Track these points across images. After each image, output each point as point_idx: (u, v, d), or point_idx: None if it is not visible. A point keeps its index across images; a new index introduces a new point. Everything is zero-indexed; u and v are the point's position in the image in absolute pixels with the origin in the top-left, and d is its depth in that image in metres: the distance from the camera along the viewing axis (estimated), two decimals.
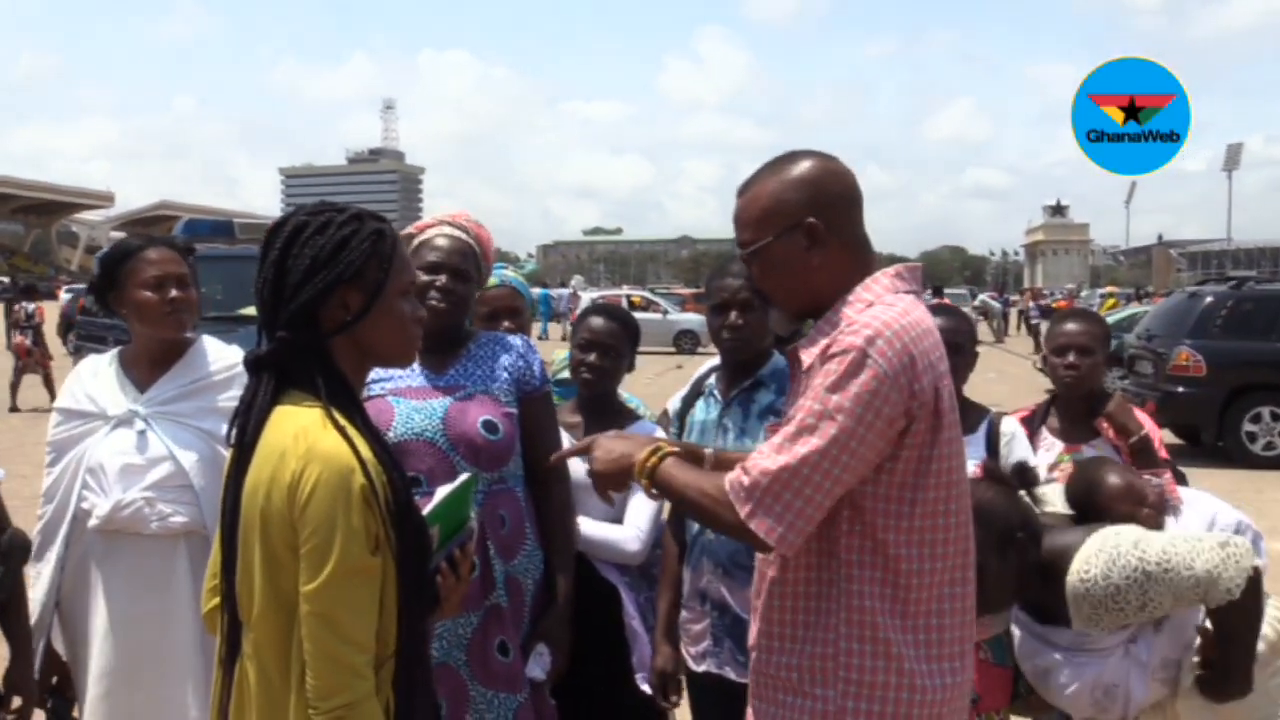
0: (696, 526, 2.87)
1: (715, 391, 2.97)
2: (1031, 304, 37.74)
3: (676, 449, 2.05)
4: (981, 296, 41.11)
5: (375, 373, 2.55)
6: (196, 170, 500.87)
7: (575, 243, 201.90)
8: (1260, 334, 11.83)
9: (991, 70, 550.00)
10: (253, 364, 1.79)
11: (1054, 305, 42.85)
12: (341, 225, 1.78)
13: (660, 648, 2.94)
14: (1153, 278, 68.21)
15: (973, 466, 3.01)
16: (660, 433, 3.13)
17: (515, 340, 2.89)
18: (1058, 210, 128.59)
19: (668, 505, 2.92)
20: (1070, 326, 3.39)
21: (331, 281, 1.75)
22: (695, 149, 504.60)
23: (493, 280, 3.42)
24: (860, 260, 2.01)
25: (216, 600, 1.91)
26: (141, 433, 2.82)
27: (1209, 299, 12.26)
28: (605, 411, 3.14)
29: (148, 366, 2.93)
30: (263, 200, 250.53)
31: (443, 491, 1.92)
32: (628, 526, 2.99)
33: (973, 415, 3.16)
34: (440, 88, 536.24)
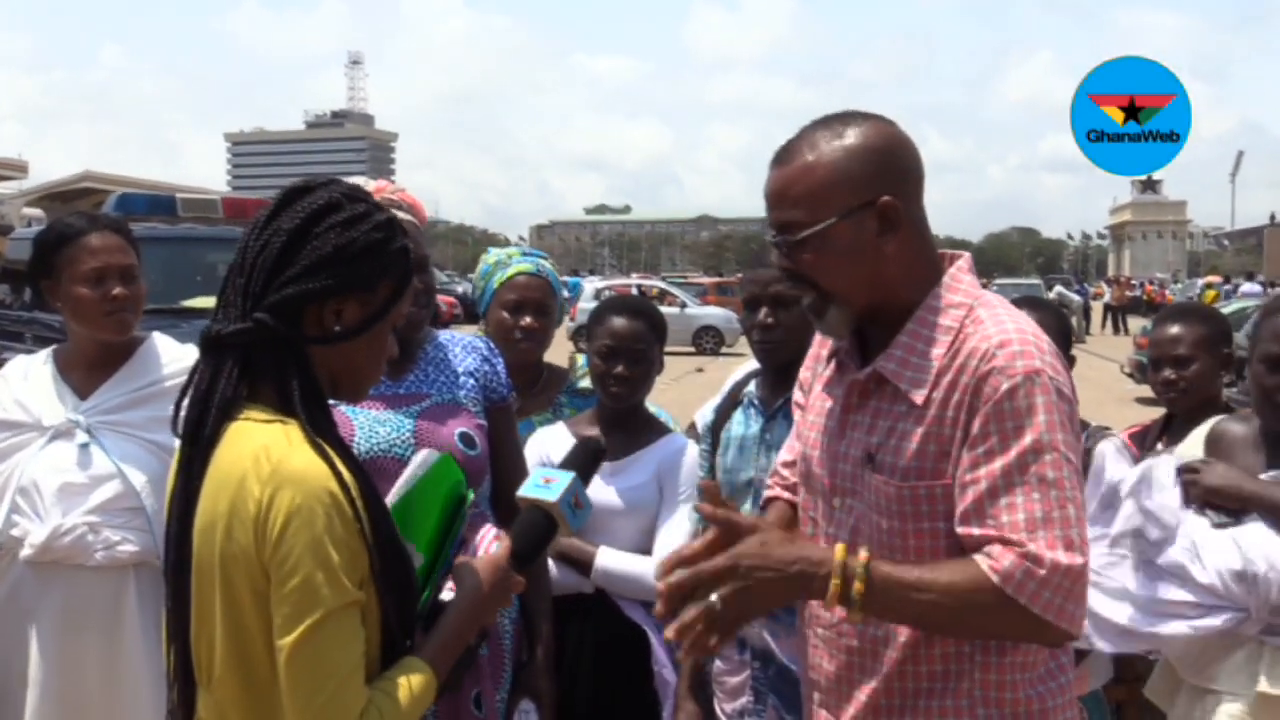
0: None
1: (756, 401, 2.98)
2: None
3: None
4: (1058, 287, 40.95)
5: None
6: (127, 135, 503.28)
7: (575, 223, 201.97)
8: None
9: (1078, 18, 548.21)
10: (212, 343, 1.72)
11: (1143, 297, 42.77)
12: (378, 226, 1.77)
13: (683, 704, 2.95)
14: (1264, 264, 67.94)
15: None
16: (693, 448, 3.15)
17: (477, 341, 2.90)
18: (1149, 186, 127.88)
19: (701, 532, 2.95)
20: (1166, 331, 3.37)
21: (343, 284, 1.73)
22: (722, 113, 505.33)
23: (527, 266, 3.42)
24: (931, 249, 1.99)
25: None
26: (83, 446, 2.85)
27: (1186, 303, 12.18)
28: (629, 425, 3.15)
29: (88, 369, 2.96)
30: (205, 171, 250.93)
31: (405, 478, 1.92)
32: (660, 553, 3.00)
33: None
34: (421, 40, 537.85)
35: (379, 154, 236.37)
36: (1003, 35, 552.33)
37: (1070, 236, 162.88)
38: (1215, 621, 2.62)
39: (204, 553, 1.69)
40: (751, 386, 3.04)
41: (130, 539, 2.83)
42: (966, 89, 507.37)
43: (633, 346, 3.09)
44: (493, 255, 3.52)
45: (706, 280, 43.23)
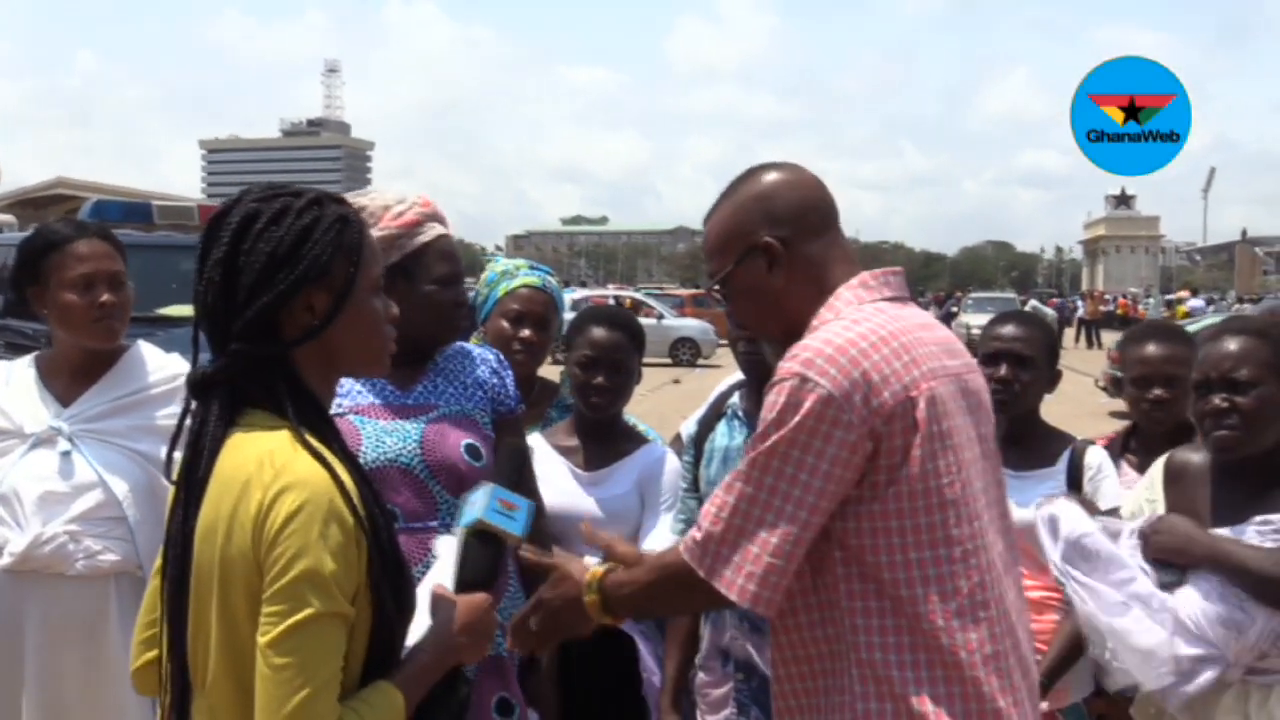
0: None
1: (740, 413, 3.00)
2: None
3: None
4: (1032, 301, 41.19)
5: None
6: (102, 141, 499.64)
7: (552, 233, 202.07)
8: None
9: (1056, 35, 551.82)
10: (200, 384, 1.75)
11: (1116, 311, 43.01)
12: (300, 212, 1.76)
13: (666, 716, 2.96)
14: (1235, 280, 68.51)
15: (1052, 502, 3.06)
16: (673, 457, 3.16)
17: (488, 354, 2.91)
18: (1123, 201, 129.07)
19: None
20: (1152, 350, 3.36)
21: (295, 281, 1.72)
22: (701, 124, 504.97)
23: (533, 279, 3.43)
24: (832, 276, 2.10)
25: (150, 654, 1.91)
26: (65, 454, 2.84)
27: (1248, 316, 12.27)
28: (608, 435, 3.17)
29: (72, 376, 2.95)
30: (181, 178, 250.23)
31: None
32: None
33: (1053, 444, 3.20)
34: (400, 50, 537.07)
35: (355, 162, 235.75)
36: (981, 51, 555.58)
37: (1044, 251, 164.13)
38: (1210, 674, 2.58)
39: (204, 556, 1.69)
40: (735, 398, 3.05)
41: (111, 548, 2.81)
42: (944, 103, 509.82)
43: (613, 357, 3.12)
44: (500, 264, 3.54)
45: (683, 292, 43.29)
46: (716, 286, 2.19)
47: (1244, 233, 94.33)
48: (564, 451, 3.15)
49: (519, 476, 2.21)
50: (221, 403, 1.74)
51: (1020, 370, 3.16)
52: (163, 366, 3.00)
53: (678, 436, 3.79)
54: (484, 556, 2.00)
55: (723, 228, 2.16)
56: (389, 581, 1.71)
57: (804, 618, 2.01)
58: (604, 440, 3.15)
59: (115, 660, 2.83)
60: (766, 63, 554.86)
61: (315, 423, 1.74)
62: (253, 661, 1.63)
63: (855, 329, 1.96)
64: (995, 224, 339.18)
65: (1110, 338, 30.71)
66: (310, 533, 1.61)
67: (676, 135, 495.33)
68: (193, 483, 1.73)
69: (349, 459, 1.75)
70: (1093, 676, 3.15)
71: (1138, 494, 2.90)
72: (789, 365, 1.95)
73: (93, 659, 2.83)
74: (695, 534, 1.98)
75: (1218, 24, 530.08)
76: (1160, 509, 2.78)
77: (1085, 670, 3.10)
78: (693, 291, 41.00)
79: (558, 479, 3.14)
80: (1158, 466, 2.88)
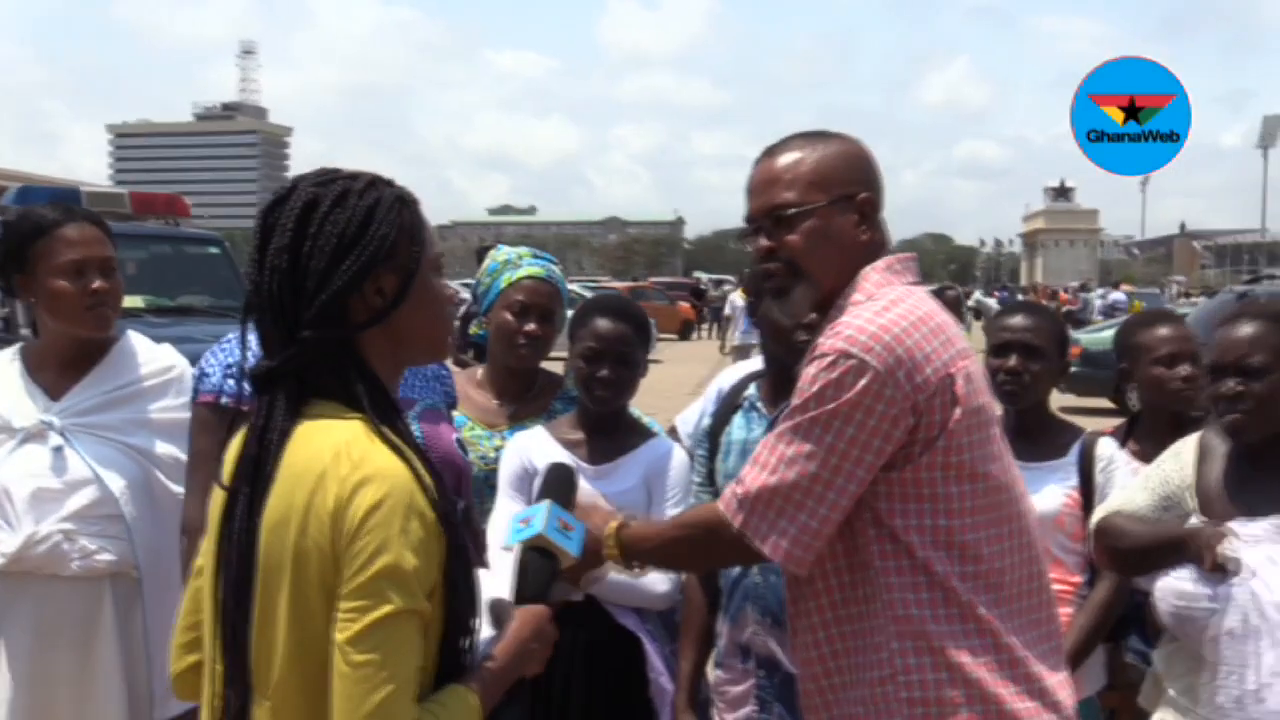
0: (737, 569, 2.93)
1: (759, 405, 3.02)
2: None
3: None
4: (977, 294, 41.71)
5: None
6: (1, 125, 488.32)
7: (479, 224, 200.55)
8: None
9: (997, 24, 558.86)
10: (265, 378, 1.74)
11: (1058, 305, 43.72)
12: (362, 194, 1.77)
13: (682, 717, 2.97)
14: (1173, 273, 69.88)
15: (1062, 495, 3.12)
16: (681, 452, 3.17)
17: None
18: (1062, 193, 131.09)
19: None
20: (1172, 330, 3.47)
21: (366, 263, 1.73)
22: (633, 112, 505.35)
23: (537, 270, 3.42)
24: (887, 252, 2.25)
25: (191, 658, 1.90)
26: (57, 450, 2.80)
27: (1263, 300, 12.54)
28: (614, 428, 3.17)
29: (60, 369, 2.91)
30: (88, 164, 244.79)
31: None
32: None
33: (1062, 435, 3.27)
34: (320, 30, 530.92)
35: (272, 149, 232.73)
36: (921, 39, 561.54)
37: (983, 243, 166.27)
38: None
39: (274, 549, 1.68)
40: (752, 389, 3.08)
41: (108, 548, 2.78)
42: (883, 92, 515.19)
43: (617, 349, 3.10)
44: (502, 254, 3.51)
45: (620, 285, 43.26)
46: (778, 213, 2.19)
47: (1183, 226, 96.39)
48: (568, 445, 3.15)
49: (571, 496, 2.24)
50: (288, 394, 1.73)
51: (1030, 361, 3.21)
52: (155, 358, 2.97)
53: (673, 430, 3.82)
54: (542, 572, 2.05)
55: (824, 164, 2.20)
56: (462, 580, 1.71)
57: (835, 580, 2.15)
58: (609, 434, 3.15)
59: (107, 664, 2.81)
60: (702, 49, 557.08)
61: (388, 413, 1.74)
62: (323, 659, 1.63)
63: (894, 310, 2.10)
64: (933, 216, 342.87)
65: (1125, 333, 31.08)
66: (392, 527, 1.62)
67: (608, 123, 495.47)
68: (258, 477, 1.71)
69: (421, 452, 1.74)
70: (1105, 670, 3.23)
71: (1166, 472, 2.92)
72: (833, 342, 2.06)
73: (84, 663, 2.80)
74: (736, 488, 2.11)
75: (1158, 16, 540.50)
76: (1191, 488, 2.84)
77: (1097, 664, 3.17)
78: (629, 284, 41.02)
79: None
80: (1189, 445, 2.92)
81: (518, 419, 3.35)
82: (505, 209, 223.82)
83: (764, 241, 2.22)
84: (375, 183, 1.81)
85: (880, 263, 2.21)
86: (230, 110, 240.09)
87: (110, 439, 2.84)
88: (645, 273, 74.91)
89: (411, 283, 1.78)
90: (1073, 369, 5.28)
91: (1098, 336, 16.14)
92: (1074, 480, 3.16)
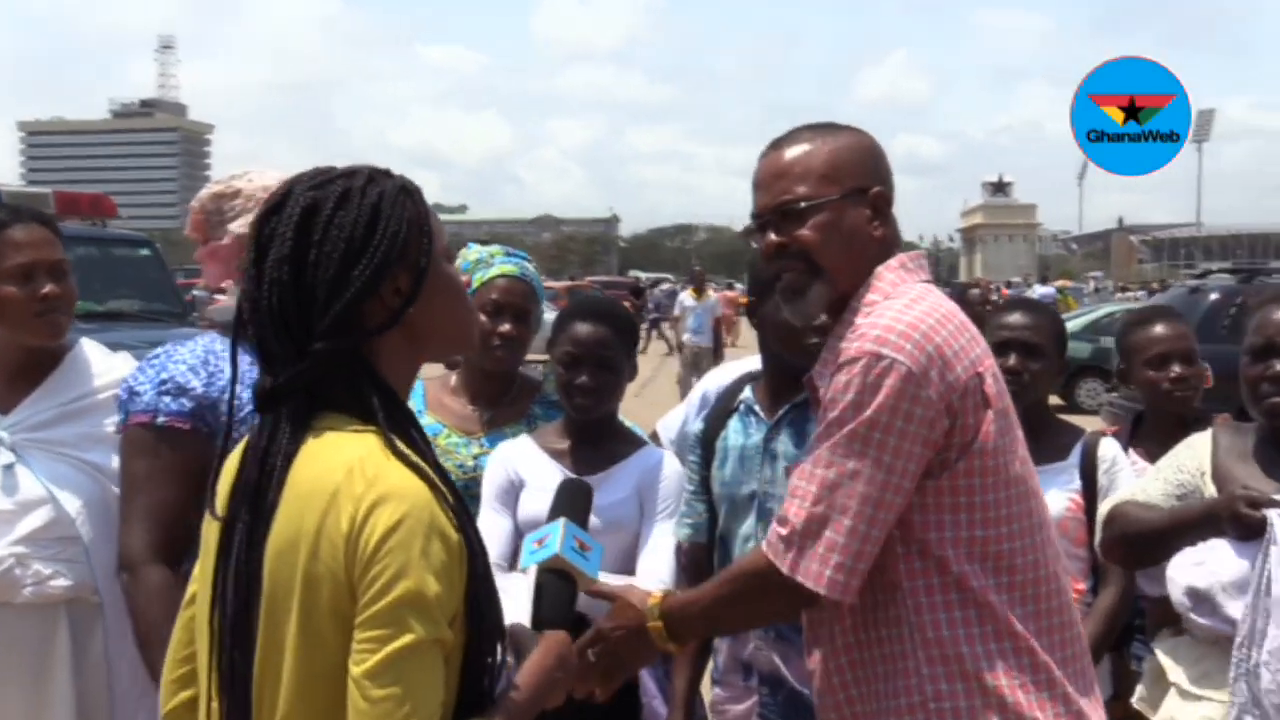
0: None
1: (756, 408, 2.94)
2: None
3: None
4: None
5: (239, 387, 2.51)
6: None
7: None
8: None
9: (935, 18, 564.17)
10: (270, 396, 1.64)
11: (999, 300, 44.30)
12: (363, 192, 1.68)
13: None
14: (1110, 268, 71.00)
15: (1065, 499, 3.08)
16: (673, 460, 3.08)
17: None
18: (999, 188, 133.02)
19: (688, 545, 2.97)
20: (1163, 329, 3.45)
21: (380, 266, 1.64)
22: (568, 107, 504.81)
23: (510, 268, 3.31)
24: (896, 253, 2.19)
25: (185, 694, 1.83)
26: (8, 467, 2.67)
27: (1214, 295, 12.71)
28: (603, 437, 3.07)
29: (9, 380, 2.78)
30: None
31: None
32: (644, 576, 2.93)
33: (1063, 436, 3.23)
34: (242, 24, 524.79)
35: (192, 147, 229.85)
36: (860, 33, 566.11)
37: (922, 239, 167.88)
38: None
39: (281, 575, 1.58)
40: (747, 392, 2.99)
41: (63, 572, 2.64)
42: (822, 87, 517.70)
43: (597, 354, 3.00)
44: (473, 252, 3.39)
45: (557, 284, 43.12)
46: (788, 207, 2.12)
47: (1120, 221, 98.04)
48: (555, 455, 3.05)
49: (586, 514, 2.14)
50: (294, 410, 1.63)
51: (1029, 359, 3.18)
52: (111, 367, 2.85)
53: (654, 435, 3.73)
54: (561, 595, 1.96)
55: (836, 156, 2.15)
56: (486, 606, 1.62)
57: (861, 600, 2.04)
58: (597, 443, 3.05)
59: (61, 697, 2.69)
60: (640, 43, 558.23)
61: (403, 424, 1.65)
62: (334, 693, 1.54)
63: (918, 307, 2.04)
64: None
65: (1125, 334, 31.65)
66: (412, 550, 1.53)
67: (542, 119, 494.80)
68: (260, 505, 1.61)
69: (439, 466, 1.65)
70: (1112, 679, 3.20)
71: (1180, 460, 2.89)
72: (860, 345, 1.99)
73: (37, 697, 2.67)
74: (779, 529, 2.01)
75: (1097, 11, 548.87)
76: (1208, 475, 2.82)
77: (1105, 673, 3.13)
78: (567, 283, 40.92)
79: (545, 483, 3.04)
80: (1202, 437, 2.90)
81: (495, 425, 3.25)
82: (436, 207, 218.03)
83: (773, 237, 2.16)
84: (375, 176, 1.73)
85: (894, 260, 2.15)
86: (149, 107, 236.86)
87: (65, 455, 2.71)
88: (580, 271, 74.79)
89: (424, 276, 1.70)
90: None
91: None
92: (1076, 483, 3.13)
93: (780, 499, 2.79)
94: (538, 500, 3.01)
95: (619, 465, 3.03)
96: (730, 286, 44.58)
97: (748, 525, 2.87)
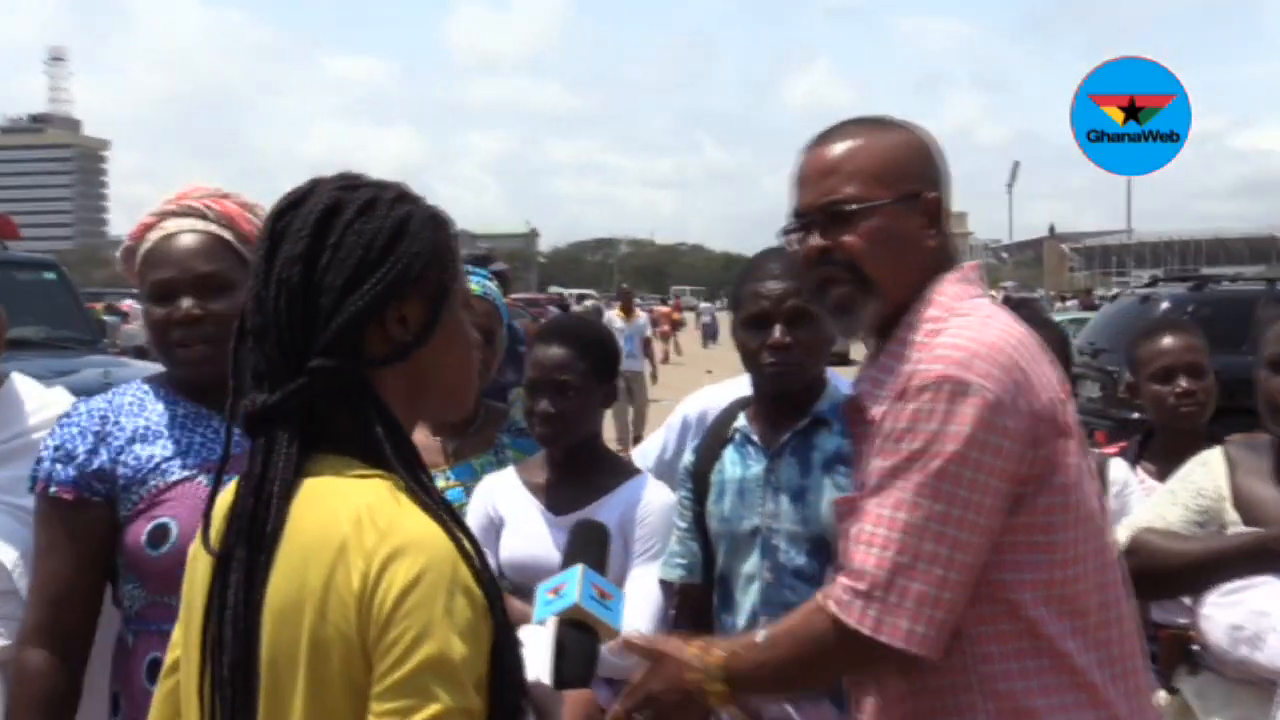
0: (735, 619, 2.71)
1: (752, 437, 2.80)
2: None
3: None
4: None
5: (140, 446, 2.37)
6: None
7: None
8: (1229, 345, 12.44)
9: (858, 24, 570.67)
10: (263, 415, 1.50)
11: None
12: (392, 204, 1.57)
13: None
14: (1043, 277, 72.06)
15: None
16: (661, 497, 2.92)
17: None
18: None
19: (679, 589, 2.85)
20: (1170, 341, 3.39)
21: (393, 285, 1.52)
22: (483, 119, 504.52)
23: (472, 287, 3.16)
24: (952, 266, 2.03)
25: None
26: None
27: (1165, 303, 12.68)
28: (584, 469, 2.91)
29: None
30: None
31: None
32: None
33: None
34: (138, 35, 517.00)
35: (87, 164, 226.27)
36: (781, 40, 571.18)
37: None
38: None
39: (283, 639, 1.42)
40: (741, 420, 2.85)
41: (1, 631, 2.44)
42: (744, 95, 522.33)
43: (555, 378, 2.83)
44: None
45: None
46: (836, 208, 1.97)
47: (1052, 229, 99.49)
48: (534, 490, 2.90)
49: (604, 557, 1.98)
50: (290, 439, 1.48)
51: None
52: (47, 403, 2.66)
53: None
54: (582, 650, 1.80)
55: (889, 156, 2.00)
56: (514, 668, 1.48)
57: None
58: (578, 475, 2.89)
59: None
60: (556, 51, 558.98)
61: (412, 466, 1.50)
62: None
63: (993, 326, 1.89)
64: None
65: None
66: (434, 609, 1.38)
67: (455, 131, 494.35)
68: (258, 538, 1.45)
69: (454, 512, 1.50)
70: None
71: (1197, 484, 2.79)
72: (936, 368, 1.83)
73: None
74: (851, 583, 1.83)
75: (1021, 14, 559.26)
76: (1228, 500, 2.73)
77: None
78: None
79: (524, 522, 2.89)
80: (1215, 456, 2.81)
81: (461, 456, 3.10)
82: None
83: (817, 240, 1.99)
84: (406, 195, 1.61)
85: (954, 273, 2.00)
86: (40, 122, 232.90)
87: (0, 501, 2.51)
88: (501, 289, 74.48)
89: (441, 313, 1.56)
90: None
91: None
92: None
93: (786, 534, 2.67)
94: (512, 540, 2.87)
95: (601, 500, 2.87)
96: (663, 301, 44.56)
97: (751, 563, 2.72)
